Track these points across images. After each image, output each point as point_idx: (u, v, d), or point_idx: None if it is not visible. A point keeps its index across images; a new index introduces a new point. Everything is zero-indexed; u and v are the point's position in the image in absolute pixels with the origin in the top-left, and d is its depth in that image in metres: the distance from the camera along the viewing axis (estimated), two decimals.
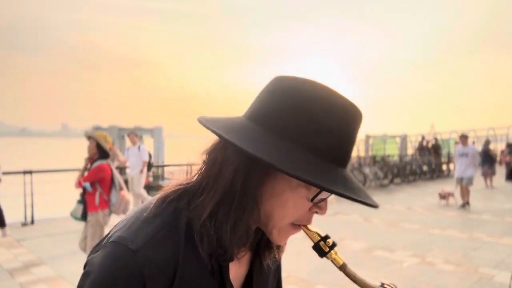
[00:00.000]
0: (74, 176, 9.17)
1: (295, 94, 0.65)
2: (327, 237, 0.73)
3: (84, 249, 4.31)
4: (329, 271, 4.89)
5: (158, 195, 0.71)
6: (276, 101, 0.66)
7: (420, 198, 10.83)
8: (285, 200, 0.66)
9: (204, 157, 0.71)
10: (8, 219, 6.91)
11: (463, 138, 9.59)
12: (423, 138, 19.17)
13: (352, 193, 0.62)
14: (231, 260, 0.69)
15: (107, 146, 4.39)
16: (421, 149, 17.93)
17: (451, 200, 9.84)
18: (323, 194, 0.66)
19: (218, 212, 0.65)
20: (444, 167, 18.17)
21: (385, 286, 0.76)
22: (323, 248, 0.73)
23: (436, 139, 19.60)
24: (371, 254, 5.54)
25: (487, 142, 14.68)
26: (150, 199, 0.72)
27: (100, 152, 4.38)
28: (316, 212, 0.70)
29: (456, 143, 21.42)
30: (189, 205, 0.68)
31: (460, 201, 9.48)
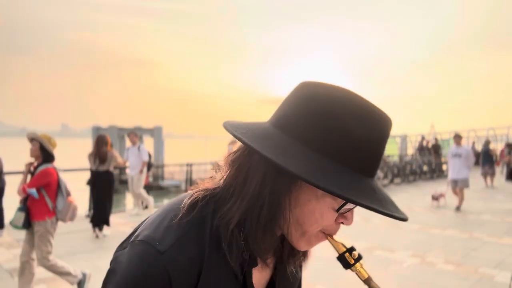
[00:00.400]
0: (74, 176, 9.18)
1: (323, 101, 0.64)
2: (352, 249, 0.72)
3: (28, 263, 3.97)
4: (329, 271, 4.89)
5: (187, 198, 0.70)
6: (303, 109, 0.65)
7: (420, 198, 10.83)
8: (312, 210, 0.66)
9: (229, 162, 0.71)
10: (8, 219, 6.90)
11: (457, 138, 9.29)
12: (423, 138, 19.18)
13: (379, 205, 0.61)
14: (255, 265, 0.70)
15: (51, 148, 4.08)
16: (421, 149, 17.94)
17: (441, 201, 9.67)
18: (349, 205, 0.66)
19: (246, 220, 0.66)
20: (444, 167, 18.17)
21: None
22: (348, 259, 0.72)
23: (436, 139, 19.62)
24: (371, 254, 5.54)
25: (487, 142, 14.68)
26: (179, 198, 0.72)
27: (44, 155, 4.04)
28: (343, 223, 0.70)
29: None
30: (215, 211, 0.68)
31: (452, 203, 9.35)
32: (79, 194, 8.70)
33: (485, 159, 13.72)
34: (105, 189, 6.74)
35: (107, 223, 6.70)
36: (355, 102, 0.64)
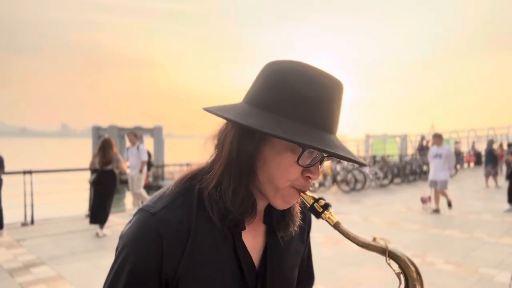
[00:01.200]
0: (74, 176, 9.18)
1: (277, 72, 0.74)
2: (320, 198, 0.79)
3: None
4: (329, 271, 4.89)
5: (178, 176, 0.84)
6: (262, 81, 0.76)
7: (420, 198, 10.82)
8: (277, 165, 0.74)
9: (215, 141, 0.82)
10: (8, 219, 6.90)
11: (437, 138, 8.83)
12: (423, 138, 19.17)
13: (332, 149, 0.69)
14: (243, 228, 0.79)
15: None
16: (421, 149, 17.94)
17: (429, 203, 9.16)
18: (308, 156, 0.73)
19: (222, 181, 0.77)
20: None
21: (377, 240, 0.80)
22: (317, 208, 0.78)
23: None
24: (371, 254, 5.51)
25: (490, 142, 14.68)
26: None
27: None
28: (309, 177, 0.76)
29: (456, 143, 21.46)
30: (201, 181, 0.80)
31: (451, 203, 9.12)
32: (79, 194, 8.71)
33: (488, 159, 13.70)
34: (108, 188, 6.83)
35: (106, 220, 6.71)
36: (305, 69, 0.73)
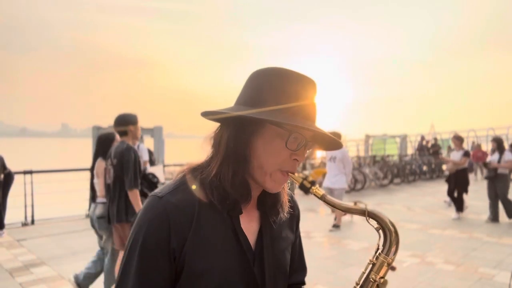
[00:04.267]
0: (74, 176, 9.17)
1: (260, 76, 0.90)
2: (307, 176, 0.91)
3: None
4: (329, 271, 4.90)
5: (180, 170, 0.96)
6: (249, 85, 0.92)
7: (420, 198, 10.84)
8: (268, 151, 0.87)
9: (211, 142, 0.94)
10: (8, 219, 6.91)
11: (336, 136, 8.06)
12: (422, 138, 19.17)
13: (314, 129, 0.84)
14: (240, 212, 0.90)
15: None
16: (421, 149, 17.94)
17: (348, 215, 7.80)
18: (293, 141, 0.86)
19: (221, 170, 0.88)
20: (444, 167, 18.19)
21: (357, 204, 0.93)
22: (306, 185, 0.90)
23: (436, 139, 19.60)
24: (371, 254, 5.53)
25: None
26: None
27: None
28: (297, 160, 0.89)
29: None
30: (202, 172, 0.92)
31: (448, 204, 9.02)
32: (79, 194, 8.71)
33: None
34: None
35: None
36: (283, 71, 0.89)
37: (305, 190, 0.90)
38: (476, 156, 14.15)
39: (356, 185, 12.00)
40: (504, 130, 25.25)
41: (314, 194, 0.90)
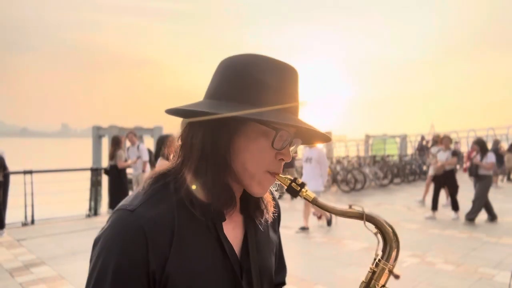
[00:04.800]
0: (74, 176, 9.17)
1: (236, 65, 0.78)
2: (296, 178, 0.81)
3: None
4: (329, 271, 4.90)
5: (146, 177, 0.83)
6: (222, 76, 0.79)
7: (420, 198, 10.83)
8: (252, 151, 0.77)
9: (179, 143, 0.82)
10: (8, 219, 6.91)
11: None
12: (422, 138, 19.17)
13: (297, 123, 0.74)
14: (223, 219, 0.80)
15: None
16: (421, 149, 17.94)
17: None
18: (279, 140, 0.76)
19: (197, 176, 0.77)
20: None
21: (353, 207, 0.84)
22: (295, 188, 0.81)
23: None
24: (371, 254, 5.53)
25: (496, 142, 14.70)
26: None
27: None
28: (283, 160, 0.80)
29: (456, 143, 21.43)
30: (175, 179, 0.79)
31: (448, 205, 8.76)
32: (79, 194, 8.71)
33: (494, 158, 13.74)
34: (112, 180, 8.14)
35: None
36: (262, 59, 0.78)
37: (294, 193, 0.81)
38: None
39: (356, 185, 12.00)
40: (504, 130, 25.25)
41: (304, 198, 0.82)
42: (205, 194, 0.77)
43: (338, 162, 13.69)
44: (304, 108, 0.82)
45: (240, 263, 0.83)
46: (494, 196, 11.28)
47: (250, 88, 0.75)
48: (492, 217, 7.72)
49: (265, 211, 0.89)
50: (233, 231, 0.85)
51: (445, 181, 8.14)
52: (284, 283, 1.08)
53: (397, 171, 14.32)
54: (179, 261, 0.74)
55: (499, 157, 13.78)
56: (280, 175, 0.82)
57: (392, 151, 19.18)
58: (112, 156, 7.98)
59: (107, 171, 8.28)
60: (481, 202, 7.62)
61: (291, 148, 0.82)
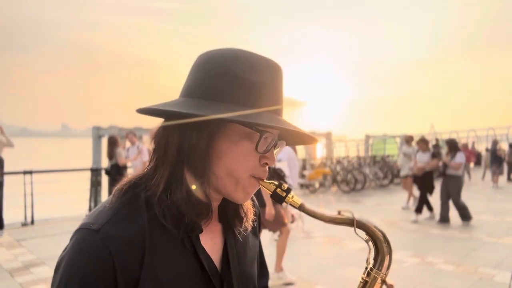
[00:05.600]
0: (74, 176, 9.16)
1: (216, 61, 0.71)
2: (281, 183, 0.76)
3: None
4: (329, 271, 4.90)
5: (115, 188, 0.74)
6: (200, 72, 0.72)
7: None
8: (235, 155, 0.71)
9: (151, 147, 0.75)
10: (8, 219, 6.90)
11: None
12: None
13: (284, 125, 0.69)
14: (200, 231, 0.73)
15: None
16: None
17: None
18: (263, 143, 0.71)
19: (171, 184, 0.70)
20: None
21: (342, 213, 0.79)
22: (280, 194, 0.75)
23: (437, 140, 19.61)
24: (370, 254, 5.53)
25: (495, 142, 14.70)
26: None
27: None
28: (267, 164, 0.74)
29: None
30: (145, 188, 0.72)
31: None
32: (79, 194, 8.72)
33: (493, 158, 13.73)
34: (113, 179, 7.96)
35: None
36: (244, 55, 0.72)
37: (279, 199, 0.75)
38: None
39: (356, 185, 12.00)
40: (504, 130, 25.27)
41: (291, 204, 0.77)
42: (178, 205, 0.69)
43: (338, 162, 13.68)
44: (300, 109, 0.76)
45: (220, 276, 0.78)
46: (494, 196, 11.29)
47: (232, 87, 0.69)
48: (467, 218, 7.46)
49: (244, 219, 0.84)
50: (211, 241, 0.79)
51: (422, 181, 8.06)
52: (267, 287, 1.03)
53: (397, 171, 14.32)
54: (150, 282, 0.67)
55: (498, 157, 13.78)
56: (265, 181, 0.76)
57: (392, 151, 19.17)
58: (111, 156, 8.02)
59: (107, 172, 8.29)
60: (460, 203, 7.52)
61: (275, 151, 0.77)
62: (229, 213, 0.83)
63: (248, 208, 0.86)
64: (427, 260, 5.28)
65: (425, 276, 4.68)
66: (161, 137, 0.73)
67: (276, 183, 0.76)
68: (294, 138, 0.81)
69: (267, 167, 0.75)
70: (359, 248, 5.83)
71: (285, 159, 6.16)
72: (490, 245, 6.06)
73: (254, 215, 0.88)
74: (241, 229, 0.84)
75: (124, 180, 0.76)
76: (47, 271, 4.78)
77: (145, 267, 0.66)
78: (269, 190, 0.76)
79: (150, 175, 0.74)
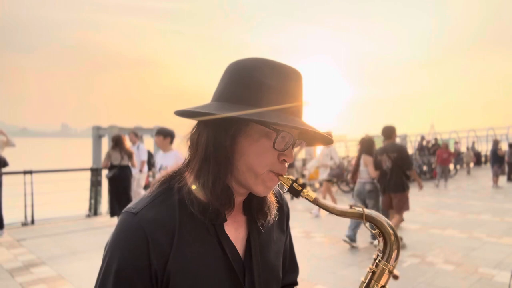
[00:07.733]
0: (74, 176, 9.15)
1: (241, 69, 0.81)
2: (297, 179, 0.83)
3: None
4: (329, 271, 4.90)
5: (155, 180, 0.88)
6: (228, 79, 0.82)
7: (420, 198, 10.82)
8: (256, 152, 0.79)
9: (187, 144, 0.86)
10: (8, 219, 6.91)
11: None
12: (422, 138, 19.17)
13: (297, 124, 0.76)
14: (224, 220, 0.83)
15: None
16: (421, 149, 17.94)
17: None
18: (281, 141, 0.79)
19: (200, 176, 0.80)
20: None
21: (353, 207, 0.85)
22: (296, 188, 0.82)
23: (436, 139, 19.60)
24: (371, 254, 5.53)
25: (496, 142, 14.69)
26: None
27: None
28: (285, 161, 0.82)
29: (456, 143, 21.45)
30: (179, 179, 0.84)
31: (448, 205, 9.04)
32: (79, 194, 8.71)
33: (494, 159, 13.70)
34: (126, 182, 7.24)
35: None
36: (266, 63, 0.81)
37: (295, 193, 0.82)
38: (441, 158, 12.91)
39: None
40: (504, 130, 25.26)
41: (306, 198, 0.83)
42: (205, 194, 0.79)
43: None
44: (306, 109, 0.84)
45: (243, 263, 0.86)
46: (493, 196, 11.29)
47: (253, 90, 0.78)
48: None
49: (268, 212, 0.91)
50: (235, 231, 0.88)
51: None
52: (295, 283, 1.09)
53: None
54: (179, 260, 0.77)
55: (499, 157, 13.77)
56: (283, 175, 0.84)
57: None
58: (130, 154, 7.95)
59: (119, 174, 8.16)
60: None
61: (295, 150, 0.84)
62: (253, 207, 0.91)
63: (272, 202, 0.93)
64: (427, 260, 5.28)
65: (425, 276, 4.68)
66: (193, 135, 0.84)
67: (293, 178, 0.83)
68: (313, 139, 0.89)
69: (286, 164, 0.82)
70: (359, 248, 5.83)
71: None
72: (490, 245, 6.06)
73: (280, 211, 0.98)
74: (264, 223, 0.91)
75: (163, 173, 0.88)
76: (47, 271, 4.78)
77: (175, 244, 0.78)
78: (286, 185, 0.83)
79: (184, 169, 0.86)
